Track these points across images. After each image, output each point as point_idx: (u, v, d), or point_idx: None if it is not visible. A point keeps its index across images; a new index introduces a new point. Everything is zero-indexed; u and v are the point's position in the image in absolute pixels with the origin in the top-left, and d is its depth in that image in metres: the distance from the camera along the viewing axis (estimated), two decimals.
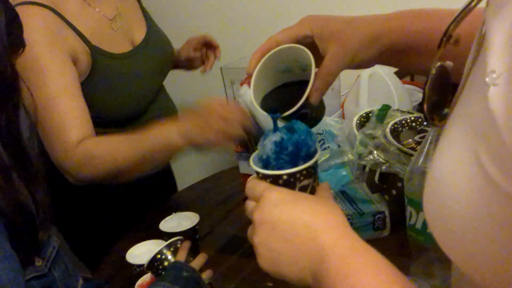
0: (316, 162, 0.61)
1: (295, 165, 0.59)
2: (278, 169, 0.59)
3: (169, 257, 0.92)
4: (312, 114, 0.70)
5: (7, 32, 0.72)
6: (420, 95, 1.59)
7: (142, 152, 1.07)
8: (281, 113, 0.66)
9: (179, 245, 0.95)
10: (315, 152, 0.61)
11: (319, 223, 0.52)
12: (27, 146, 0.79)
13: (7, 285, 0.67)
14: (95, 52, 1.23)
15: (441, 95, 0.44)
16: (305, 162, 0.59)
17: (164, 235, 1.07)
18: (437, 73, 0.44)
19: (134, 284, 0.95)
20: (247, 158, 1.54)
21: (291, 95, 0.67)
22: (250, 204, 0.59)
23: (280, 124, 0.64)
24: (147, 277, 0.94)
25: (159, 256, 0.91)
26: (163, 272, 0.90)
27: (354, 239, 0.51)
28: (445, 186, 0.37)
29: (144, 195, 1.42)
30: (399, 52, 0.68)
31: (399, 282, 0.45)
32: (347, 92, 1.50)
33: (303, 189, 0.60)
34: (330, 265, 0.49)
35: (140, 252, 1.02)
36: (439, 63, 0.44)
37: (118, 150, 1.09)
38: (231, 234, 1.20)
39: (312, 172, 0.60)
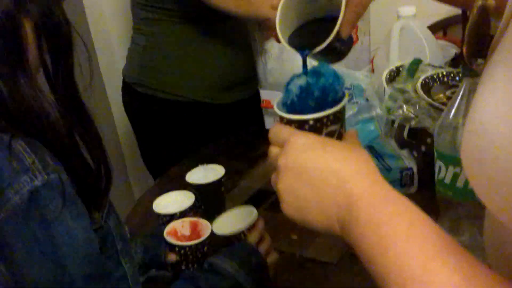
0: (343, 106, 0.59)
1: (321, 111, 0.57)
2: (304, 115, 0.57)
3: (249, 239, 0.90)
4: (341, 48, 0.67)
5: None
6: (453, 51, 1.54)
7: None
8: (310, 50, 0.63)
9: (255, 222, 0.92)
10: (343, 96, 0.59)
11: (348, 170, 0.50)
12: (84, 103, 0.76)
13: (81, 243, 0.67)
14: None
15: (481, 36, 0.42)
16: (332, 107, 0.57)
17: (191, 187, 1.08)
18: (479, 13, 0.42)
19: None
20: (273, 114, 1.54)
21: (318, 31, 0.64)
22: (274, 150, 0.57)
23: (309, 62, 0.62)
24: (173, 225, 0.95)
25: (240, 235, 0.89)
26: None
27: (385, 187, 0.48)
28: (487, 131, 0.35)
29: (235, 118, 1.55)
30: None
31: (435, 231, 0.43)
32: (377, 48, 1.46)
33: (329, 135, 0.58)
34: (360, 213, 0.47)
35: (167, 202, 1.03)
36: (480, 2, 0.41)
37: None
38: (255, 188, 1.20)
39: (339, 118, 0.58)
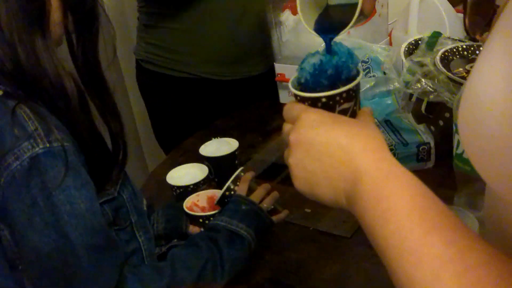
0: (357, 84, 0.58)
1: (335, 89, 0.57)
2: (316, 93, 0.57)
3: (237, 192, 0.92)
4: (364, 18, 0.66)
5: None
6: None
7: None
8: (336, 34, 0.61)
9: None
10: (357, 74, 0.58)
11: (355, 146, 0.50)
12: (105, 78, 0.77)
13: (84, 213, 0.67)
14: None
15: (483, 7, 0.41)
16: (345, 86, 0.57)
17: (204, 159, 1.07)
18: None
19: None
20: (288, 88, 1.52)
21: (340, 11, 0.63)
22: (286, 126, 0.58)
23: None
24: (190, 199, 0.95)
25: (228, 193, 0.91)
26: None
27: (391, 163, 0.48)
28: (482, 101, 0.35)
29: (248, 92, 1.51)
30: None
31: (435, 206, 0.43)
32: (395, 20, 1.43)
33: (343, 112, 0.58)
34: (364, 187, 0.47)
35: (180, 175, 1.03)
36: None
37: None
38: (269, 162, 1.20)
39: (353, 95, 0.58)
